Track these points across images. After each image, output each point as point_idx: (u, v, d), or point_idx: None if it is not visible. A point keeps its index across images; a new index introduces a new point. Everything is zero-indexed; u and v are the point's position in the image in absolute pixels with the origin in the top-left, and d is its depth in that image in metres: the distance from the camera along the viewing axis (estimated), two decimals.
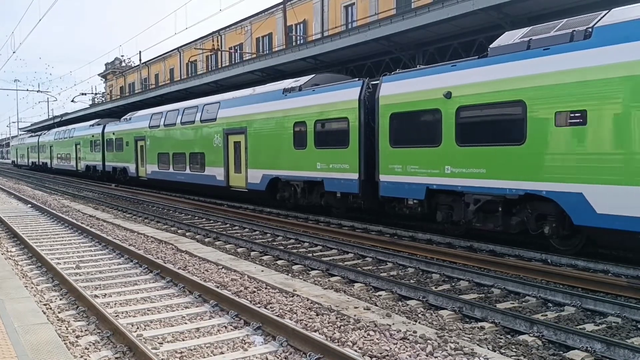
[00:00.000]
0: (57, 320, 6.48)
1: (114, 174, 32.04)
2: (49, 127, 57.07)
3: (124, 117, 30.70)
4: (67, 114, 52.77)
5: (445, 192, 11.82)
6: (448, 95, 11.43)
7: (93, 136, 35.08)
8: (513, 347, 5.90)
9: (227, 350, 5.60)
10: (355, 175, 14.04)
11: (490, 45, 11.05)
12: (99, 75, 71.68)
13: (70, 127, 42.36)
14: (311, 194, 16.16)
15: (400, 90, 12.78)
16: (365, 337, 5.60)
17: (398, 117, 12.80)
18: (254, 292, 7.45)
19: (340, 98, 14.61)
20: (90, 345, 5.72)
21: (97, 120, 37.49)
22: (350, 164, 14.21)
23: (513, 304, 7.62)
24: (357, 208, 14.90)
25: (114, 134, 31.37)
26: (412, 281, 8.91)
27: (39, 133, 56.16)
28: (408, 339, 5.51)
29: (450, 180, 11.51)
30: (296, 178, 16.36)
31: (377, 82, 13.79)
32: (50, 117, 64.45)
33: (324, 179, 15.12)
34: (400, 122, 12.78)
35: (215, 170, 20.54)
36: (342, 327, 5.92)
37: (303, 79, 16.96)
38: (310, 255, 10.86)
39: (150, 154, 26.33)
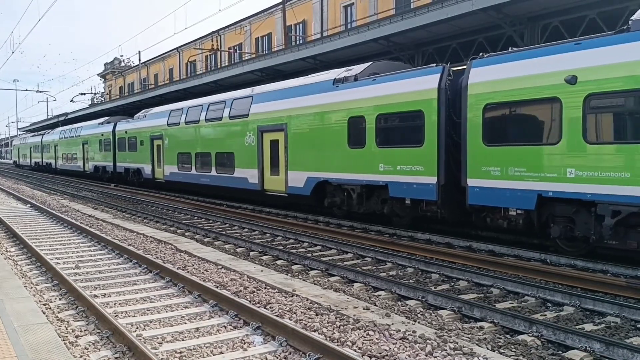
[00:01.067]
0: (57, 320, 6.48)
1: (126, 175, 29.91)
2: (52, 126, 54.95)
3: (137, 115, 28.68)
4: (73, 112, 51.25)
5: (565, 201, 9.71)
6: (572, 80, 9.34)
7: (103, 135, 32.99)
8: (512, 347, 5.90)
9: (227, 350, 5.60)
10: (432, 179, 11.98)
11: (633, 17, 8.93)
12: (98, 75, 71.66)
13: (76, 125, 40.42)
14: (369, 200, 14.02)
15: (498, 75, 10.63)
16: (364, 337, 5.60)
17: (495, 108, 10.68)
18: (254, 292, 7.45)
19: (412, 88, 12.47)
20: (89, 345, 5.72)
21: (106, 118, 35.24)
22: (425, 165, 12.18)
23: (512, 303, 7.63)
24: (430, 218, 12.80)
25: (126, 132, 29.23)
26: (411, 281, 8.91)
27: (42, 132, 54.05)
28: (407, 339, 5.51)
29: (575, 187, 9.39)
30: (351, 182, 14.21)
31: (461, 67, 12.06)
32: (54, 115, 61.96)
33: (389, 183, 13.02)
34: (499, 115, 10.69)
35: (247, 172, 18.48)
36: (341, 327, 5.92)
37: (357, 68, 14.77)
38: (309, 255, 10.86)
39: (168, 153, 24.22)
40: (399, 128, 13.12)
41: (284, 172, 16.71)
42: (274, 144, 17.23)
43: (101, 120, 35.25)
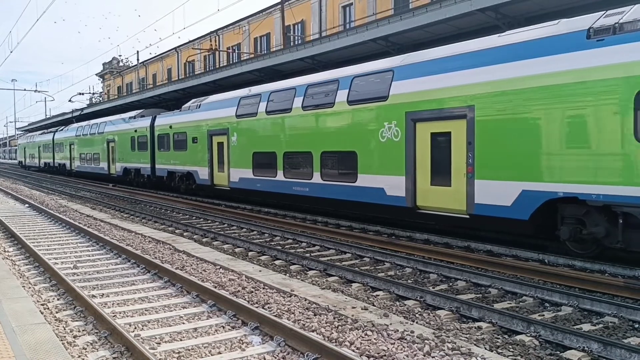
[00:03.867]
0: (55, 320, 6.48)
1: (169, 180, 24.60)
2: (66, 122, 48.38)
3: (187, 105, 23.31)
4: (93, 104, 46.03)
5: None
6: None
7: (136, 131, 27.62)
8: (510, 347, 5.91)
9: (225, 350, 5.60)
10: None
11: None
12: (96, 75, 71.60)
13: (99, 120, 34.78)
14: None
15: None
16: (362, 337, 5.60)
17: None
18: (252, 292, 7.45)
19: None
20: (87, 345, 5.72)
21: (139, 111, 29.87)
22: None
23: (510, 304, 7.64)
24: None
25: (171, 127, 23.89)
26: (409, 281, 8.92)
27: (52, 129, 48.20)
28: (405, 339, 5.52)
29: None
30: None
31: None
32: (54, 114, 57.77)
33: None
34: None
35: (383, 180, 13.05)
36: (339, 327, 5.93)
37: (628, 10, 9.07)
38: (308, 255, 10.86)
39: (238, 153, 19.07)
40: None
41: (465, 182, 11.13)
42: (443, 139, 11.62)
43: (133, 113, 29.84)
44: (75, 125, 40.21)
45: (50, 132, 47.95)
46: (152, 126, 26.16)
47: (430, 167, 11.92)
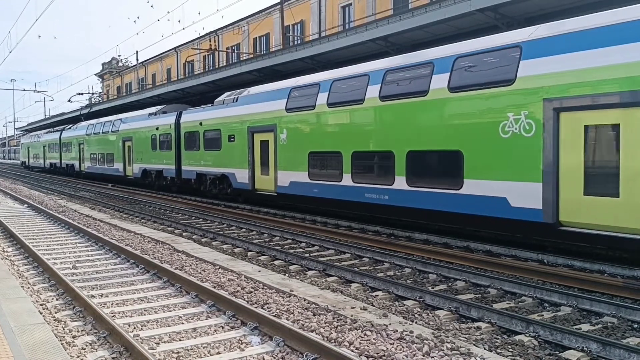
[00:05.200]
0: (54, 320, 6.48)
1: (199, 182, 22.06)
2: (74, 120, 45.32)
3: (220, 99, 20.68)
4: (106, 100, 42.28)
5: None
6: None
7: (158, 128, 25.07)
8: (509, 347, 5.92)
9: (224, 350, 5.60)
10: None
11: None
12: (95, 75, 71.58)
13: (113, 117, 32.04)
14: None
15: None
16: (362, 337, 5.60)
17: None
18: (251, 292, 7.45)
19: None
20: (86, 346, 5.71)
21: (160, 107, 27.08)
22: None
23: (509, 304, 7.64)
24: None
25: (201, 124, 21.30)
26: (408, 281, 8.92)
27: (59, 128, 44.95)
28: (405, 339, 5.52)
29: None
30: None
31: None
32: (51, 113, 56.86)
33: None
34: None
35: (501, 186, 10.41)
36: (338, 327, 5.93)
37: None
38: (307, 255, 10.86)
39: (288, 153, 16.25)
40: None
41: None
42: (599, 133, 9.01)
43: (153, 109, 27.24)
44: (86, 123, 37.45)
45: (57, 130, 44.92)
46: (177, 123, 23.49)
47: (584, 171, 9.12)
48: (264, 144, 17.48)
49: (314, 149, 15.29)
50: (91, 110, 42.04)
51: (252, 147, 18.06)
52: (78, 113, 44.74)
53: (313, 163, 15.37)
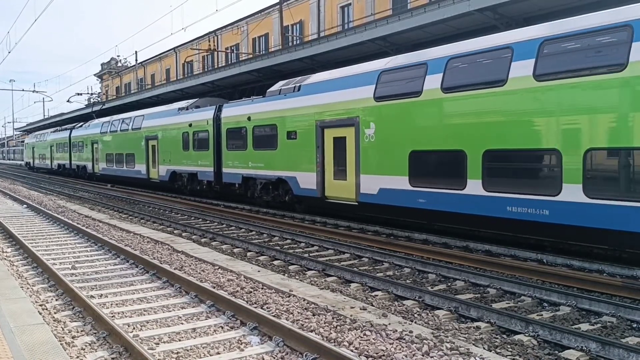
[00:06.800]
0: (53, 320, 6.47)
1: (245, 187, 19.05)
2: (84, 118, 41.97)
3: (274, 89, 17.62)
4: (126, 95, 38.87)
5: None
6: None
7: (191, 125, 22.16)
8: (509, 346, 5.92)
9: (224, 350, 5.60)
10: None
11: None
12: (94, 75, 71.57)
13: (133, 114, 29.00)
14: None
15: None
16: (361, 337, 5.61)
17: None
18: (251, 292, 7.45)
19: None
20: (86, 346, 5.71)
21: (192, 101, 24.18)
22: None
23: (509, 303, 7.65)
24: None
25: (249, 119, 18.22)
26: (408, 281, 8.92)
27: (69, 126, 41.81)
28: (404, 339, 5.52)
29: None
30: None
31: None
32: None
33: None
34: None
35: None
36: (338, 327, 5.93)
37: None
38: (306, 255, 10.86)
39: (377, 152, 13.24)
40: None
41: None
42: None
43: (182, 103, 24.39)
44: (100, 120, 34.35)
45: (65, 129, 41.43)
46: (216, 118, 20.52)
47: None
48: (339, 142, 14.48)
49: (420, 147, 12.09)
50: (103, 107, 39.30)
51: (322, 146, 15.04)
52: (89, 110, 42.08)
53: (417, 165, 12.17)
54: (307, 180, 15.61)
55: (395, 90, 12.83)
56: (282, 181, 16.96)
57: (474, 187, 10.85)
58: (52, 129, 47.18)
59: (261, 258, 10.91)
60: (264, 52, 37.08)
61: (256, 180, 18.31)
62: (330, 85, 15.02)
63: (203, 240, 13.05)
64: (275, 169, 17.04)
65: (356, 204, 13.89)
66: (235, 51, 41.26)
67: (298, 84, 16.43)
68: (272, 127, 17.13)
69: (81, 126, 37.59)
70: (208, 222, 16.19)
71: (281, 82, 17.73)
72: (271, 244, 12.45)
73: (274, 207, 17.53)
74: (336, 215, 15.27)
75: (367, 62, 14.73)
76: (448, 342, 5.44)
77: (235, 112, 19.41)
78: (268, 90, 17.96)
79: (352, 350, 5.30)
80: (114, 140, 30.46)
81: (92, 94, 53.50)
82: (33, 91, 59.15)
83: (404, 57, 13.32)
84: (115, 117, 31.74)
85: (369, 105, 13.36)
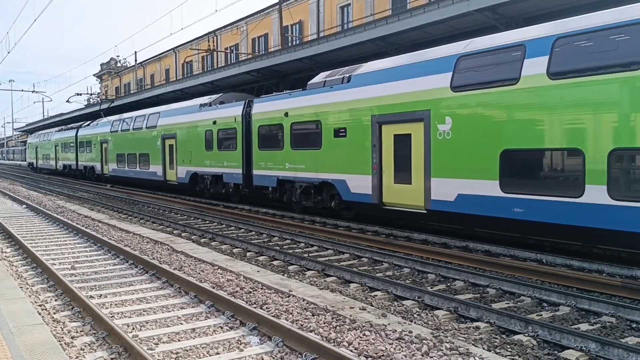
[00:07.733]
0: (53, 321, 6.47)
1: (280, 191, 17.13)
2: (92, 116, 40.31)
3: (316, 81, 15.68)
4: (139, 91, 36.32)
5: None
6: None
7: (215, 122, 20.34)
8: (508, 346, 5.92)
9: (223, 350, 5.60)
10: None
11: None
12: (94, 75, 71.57)
13: (147, 111, 27.21)
14: None
15: None
16: (361, 337, 5.61)
17: None
18: (250, 292, 7.45)
19: None
20: (85, 346, 5.71)
21: (216, 96, 22.23)
22: None
23: (508, 303, 7.65)
24: None
25: (286, 114, 16.35)
26: (407, 281, 8.92)
27: (75, 125, 39.90)
28: (404, 339, 5.52)
29: None
30: None
31: None
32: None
33: None
34: None
35: None
36: (337, 328, 5.93)
37: None
38: (306, 255, 10.86)
39: (453, 152, 11.26)
40: None
41: None
42: None
43: (205, 99, 22.52)
44: (110, 118, 32.49)
45: (71, 128, 39.53)
46: (246, 115, 18.68)
47: None
48: (403, 140, 12.53)
49: (515, 145, 10.10)
50: (112, 105, 37.63)
51: (380, 145, 13.08)
52: (97, 108, 40.35)
53: (511, 167, 10.23)
54: (359, 184, 13.67)
55: (480, 78, 10.75)
56: (327, 185, 15.06)
57: (595, 194, 8.74)
58: (57, 128, 45.06)
59: (261, 258, 10.91)
60: (263, 52, 37.08)
61: (295, 184, 16.30)
62: (389, 74, 13.00)
63: (202, 240, 13.05)
64: (319, 170, 15.12)
65: (425, 212, 11.97)
66: (234, 51, 41.28)
67: (347, 75, 14.43)
68: (316, 124, 15.21)
69: (89, 125, 35.86)
70: (207, 222, 16.18)
71: (324, 74, 15.85)
72: (271, 244, 12.45)
73: (314, 214, 15.97)
74: (336, 216, 15.19)
75: (434, 47, 12.88)
76: (447, 342, 5.44)
77: (269, 107, 17.41)
78: (309, 83, 16.07)
79: (351, 351, 5.30)
80: (125, 140, 28.63)
81: (91, 94, 53.52)
82: (32, 91, 59.22)
83: (489, 38, 11.17)
84: (126, 115, 30.11)
85: (444, 96, 11.36)
